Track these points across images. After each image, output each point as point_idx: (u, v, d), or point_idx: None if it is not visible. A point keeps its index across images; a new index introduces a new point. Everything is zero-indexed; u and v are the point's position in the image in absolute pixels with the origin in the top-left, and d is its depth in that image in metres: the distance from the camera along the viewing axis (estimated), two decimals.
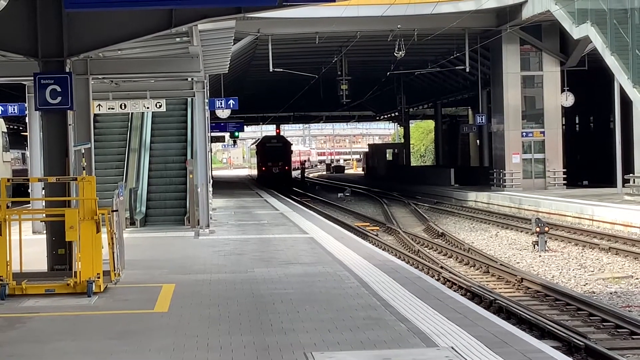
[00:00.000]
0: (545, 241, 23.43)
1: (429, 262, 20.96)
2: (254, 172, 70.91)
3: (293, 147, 74.60)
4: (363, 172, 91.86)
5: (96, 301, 11.80)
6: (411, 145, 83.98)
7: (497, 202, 38.39)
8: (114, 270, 12.93)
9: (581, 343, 11.49)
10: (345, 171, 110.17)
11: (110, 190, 21.39)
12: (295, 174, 69.74)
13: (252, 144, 75.42)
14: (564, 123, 46.33)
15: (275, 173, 62.28)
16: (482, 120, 46.82)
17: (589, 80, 47.11)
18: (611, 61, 33.28)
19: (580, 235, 26.08)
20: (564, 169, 42.33)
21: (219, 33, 20.01)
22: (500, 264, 20.09)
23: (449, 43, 43.93)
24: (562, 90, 42.13)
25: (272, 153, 63.78)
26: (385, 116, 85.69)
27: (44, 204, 14.23)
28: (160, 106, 23.79)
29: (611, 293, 16.86)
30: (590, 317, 13.94)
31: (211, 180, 27.30)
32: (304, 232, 21.87)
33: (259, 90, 67.61)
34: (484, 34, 42.27)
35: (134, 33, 14.12)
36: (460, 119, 72.86)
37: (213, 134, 45.49)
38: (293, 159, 71.16)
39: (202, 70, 21.00)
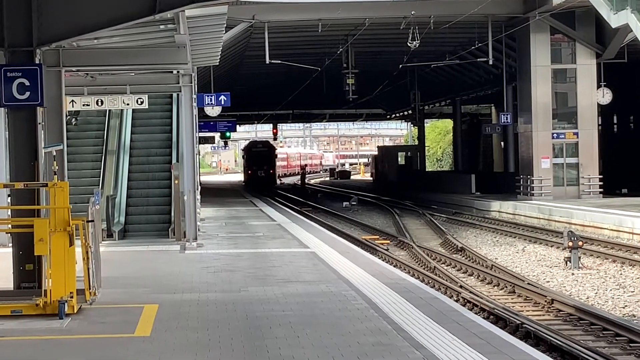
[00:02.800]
0: (579, 257, 23.43)
1: (446, 280, 20.97)
2: None
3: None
4: (371, 178, 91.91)
5: (69, 324, 11.80)
6: (426, 148, 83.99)
7: (524, 213, 38.39)
8: (89, 289, 12.93)
9: None
10: (352, 177, 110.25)
11: (85, 200, 21.43)
12: (295, 179, 71.73)
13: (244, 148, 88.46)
14: (600, 123, 46.36)
15: (261, 176, 74.66)
16: (507, 119, 46.79)
17: (628, 75, 47.17)
18: None
19: (618, 251, 26.07)
20: (600, 175, 42.32)
21: (208, 20, 20.05)
22: (528, 283, 20.09)
23: (469, 32, 43.98)
24: (598, 86, 42.14)
25: (258, 157, 76.20)
26: (397, 115, 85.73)
27: (9, 213, 14.25)
28: (141, 102, 23.82)
29: None
30: (631, 344, 13.94)
31: (199, 187, 27.31)
32: (304, 246, 21.88)
33: (254, 85, 67.67)
34: (509, 22, 42.31)
35: (113, 20, 14.13)
36: (482, 118, 72.86)
37: (201, 134, 45.56)
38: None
39: (190, 61, 21.02)
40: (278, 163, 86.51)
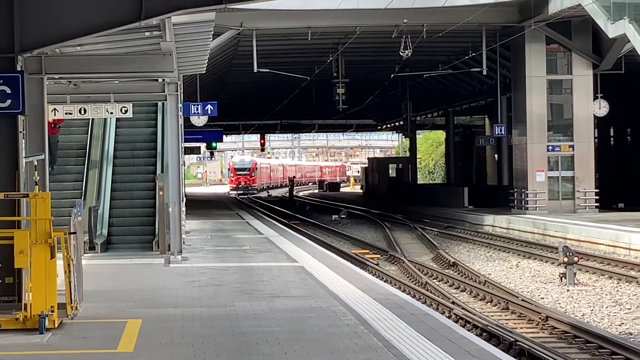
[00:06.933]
0: (575, 273, 23.45)
1: (438, 296, 20.97)
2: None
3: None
4: (361, 191, 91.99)
5: (49, 339, 11.78)
6: (418, 160, 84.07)
7: (518, 227, 38.44)
8: (71, 303, 12.90)
9: None
10: (341, 189, 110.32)
11: (67, 210, 21.39)
12: (283, 191, 72.93)
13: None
14: (596, 135, 46.49)
15: (242, 185, 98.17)
16: (501, 131, 46.90)
17: (626, 86, 47.26)
18: None
19: (614, 267, 26.11)
20: (596, 189, 42.41)
21: (195, 27, 20.06)
22: (522, 300, 20.10)
23: (463, 41, 44.08)
24: (595, 98, 42.25)
25: (240, 170, 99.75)
26: (388, 126, 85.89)
27: None
28: (126, 111, 23.79)
29: None
30: None
31: (184, 199, 27.29)
32: (292, 260, 21.88)
33: (241, 95, 67.69)
34: (504, 31, 42.42)
35: (97, 26, 14.13)
36: (476, 129, 73.01)
37: (187, 145, 45.54)
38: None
39: (176, 70, 21.01)
40: (260, 174, 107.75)
